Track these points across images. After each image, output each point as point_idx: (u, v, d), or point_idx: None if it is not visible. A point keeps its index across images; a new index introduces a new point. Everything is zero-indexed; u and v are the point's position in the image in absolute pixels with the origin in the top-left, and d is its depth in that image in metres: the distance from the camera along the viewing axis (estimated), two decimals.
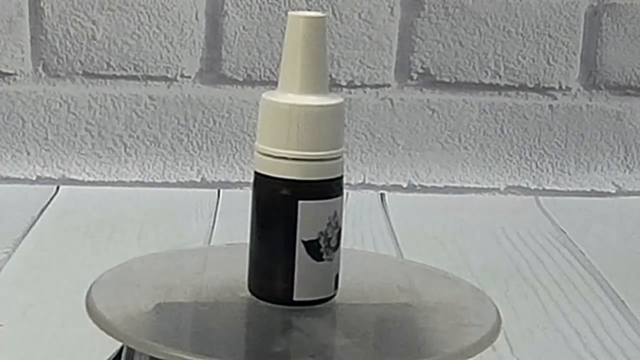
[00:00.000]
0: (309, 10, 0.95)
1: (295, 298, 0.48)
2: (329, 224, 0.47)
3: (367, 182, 0.98)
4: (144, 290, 0.50)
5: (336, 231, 0.48)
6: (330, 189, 0.47)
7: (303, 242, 0.47)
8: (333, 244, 0.48)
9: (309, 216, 0.47)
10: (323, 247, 0.47)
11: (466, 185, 0.98)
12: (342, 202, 0.48)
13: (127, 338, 0.45)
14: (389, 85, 0.97)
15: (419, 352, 0.46)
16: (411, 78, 0.97)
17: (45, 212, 0.89)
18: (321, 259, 0.47)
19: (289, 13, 0.47)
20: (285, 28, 0.47)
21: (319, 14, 0.47)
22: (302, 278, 0.47)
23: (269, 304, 0.48)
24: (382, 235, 0.85)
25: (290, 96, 0.47)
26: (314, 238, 0.47)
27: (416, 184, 0.98)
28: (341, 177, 0.48)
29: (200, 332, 0.46)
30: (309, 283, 0.48)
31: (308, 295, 0.48)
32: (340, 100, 0.48)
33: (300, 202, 0.47)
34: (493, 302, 0.49)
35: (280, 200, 0.47)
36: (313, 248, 0.47)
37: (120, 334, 0.45)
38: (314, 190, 0.47)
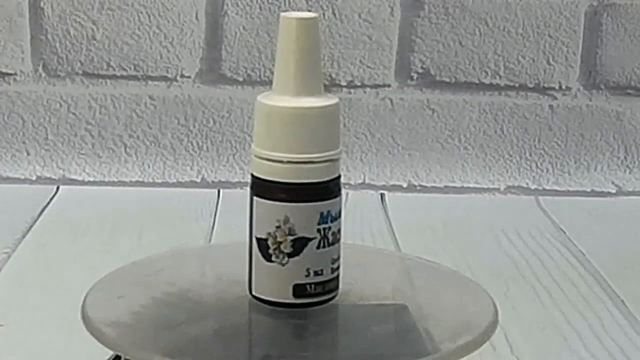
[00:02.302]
0: (309, 10, 0.95)
1: (253, 292, 0.48)
2: (278, 227, 0.47)
3: (367, 182, 0.98)
4: (141, 296, 0.50)
5: (290, 238, 0.47)
6: (279, 190, 0.47)
7: (256, 238, 0.47)
8: (285, 249, 0.47)
9: (260, 214, 0.47)
10: (272, 249, 0.47)
11: (466, 185, 0.98)
12: (304, 210, 0.47)
13: (124, 349, 0.45)
14: (389, 85, 0.97)
15: (413, 351, 0.46)
16: (411, 78, 0.97)
17: (45, 212, 0.89)
18: (270, 260, 0.47)
19: (281, 15, 0.47)
20: None
21: (312, 14, 0.47)
22: (256, 274, 0.48)
23: (268, 306, 0.48)
24: (382, 235, 0.85)
25: (285, 98, 0.47)
26: (263, 237, 0.47)
27: (416, 184, 0.98)
28: (291, 184, 0.47)
29: (199, 339, 0.46)
30: (261, 281, 0.48)
31: (262, 293, 0.48)
32: (336, 100, 0.48)
33: (255, 198, 0.47)
34: (491, 297, 0.49)
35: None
36: (263, 247, 0.47)
37: (117, 346, 0.45)
38: (265, 190, 0.47)
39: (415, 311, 0.49)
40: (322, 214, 0.47)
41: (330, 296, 0.48)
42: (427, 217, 0.91)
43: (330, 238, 0.47)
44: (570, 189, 0.99)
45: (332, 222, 0.47)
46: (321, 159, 0.47)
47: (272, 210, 0.47)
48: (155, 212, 0.90)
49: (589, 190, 0.99)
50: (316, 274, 0.47)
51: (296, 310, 0.47)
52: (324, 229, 0.47)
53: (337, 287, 0.48)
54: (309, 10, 0.95)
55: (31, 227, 0.85)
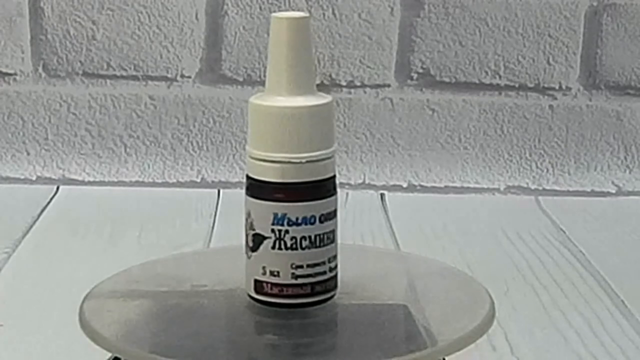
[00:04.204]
0: (309, 10, 0.95)
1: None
2: (246, 220, 0.48)
3: (367, 182, 0.98)
4: (139, 301, 0.50)
5: (251, 232, 0.47)
6: (248, 184, 0.48)
7: None
8: (250, 243, 0.48)
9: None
10: (245, 240, 0.48)
11: (466, 185, 0.98)
12: (259, 208, 0.47)
13: (121, 350, 0.45)
14: (389, 85, 0.97)
15: (406, 346, 0.46)
16: (411, 78, 0.97)
17: (45, 212, 0.89)
18: (245, 252, 0.48)
19: (272, 15, 0.47)
20: None
21: (302, 14, 0.47)
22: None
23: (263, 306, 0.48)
24: (382, 235, 0.85)
25: (278, 99, 0.47)
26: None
27: (416, 184, 0.98)
28: (253, 179, 0.47)
29: (198, 340, 0.46)
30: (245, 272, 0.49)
31: (245, 285, 0.49)
32: (329, 99, 0.48)
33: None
34: (489, 293, 0.49)
35: None
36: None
37: (114, 347, 0.45)
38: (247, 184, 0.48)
39: (416, 310, 0.49)
40: (275, 214, 0.47)
41: (290, 301, 0.47)
42: (427, 217, 0.91)
43: (289, 242, 0.47)
44: (570, 189, 0.99)
45: (290, 225, 0.47)
46: (274, 159, 0.47)
47: (245, 204, 0.48)
48: (155, 212, 0.90)
49: (589, 190, 0.99)
50: (272, 274, 0.47)
51: (295, 310, 0.47)
52: (279, 230, 0.47)
53: (302, 295, 0.47)
54: (309, 10, 0.95)
55: (31, 227, 0.85)
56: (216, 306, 0.50)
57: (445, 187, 0.98)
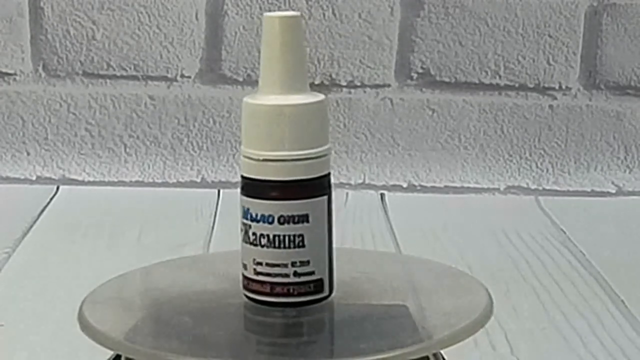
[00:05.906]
0: (309, 10, 0.95)
1: None
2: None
3: (367, 182, 0.98)
4: (139, 303, 0.50)
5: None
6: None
7: None
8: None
9: None
10: None
11: (466, 185, 0.98)
12: (240, 200, 0.48)
13: (122, 347, 0.45)
14: (389, 85, 0.97)
15: (401, 340, 0.46)
16: (411, 78, 0.97)
17: (45, 212, 0.89)
18: None
19: (264, 14, 0.47)
20: None
21: (294, 13, 0.47)
22: None
23: (260, 306, 0.48)
24: (382, 236, 0.85)
25: (272, 97, 0.47)
26: None
27: (416, 184, 0.98)
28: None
29: (197, 337, 0.46)
30: None
31: None
32: (322, 97, 0.48)
33: None
34: (488, 291, 0.49)
35: None
36: None
37: (115, 343, 0.45)
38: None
39: (415, 311, 0.49)
40: (243, 207, 0.48)
41: (252, 296, 0.48)
42: (427, 217, 0.91)
43: (251, 237, 0.47)
44: (570, 189, 0.99)
45: (251, 221, 0.47)
46: (244, 154, 0.49)
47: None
48: (155, 212, 0.90)
49: (589, 190, 0.99)
50: (244, 267, 0.48)
51: (294, 309, 0.47)
52: (245, 224, 0.47)
53: (262, 293, 0.47)
54: (309, 10, 0.95)
55: (31, 227, 0.85)
56: (218, 302, 0.50)
57: (445, 187, 0.98)
